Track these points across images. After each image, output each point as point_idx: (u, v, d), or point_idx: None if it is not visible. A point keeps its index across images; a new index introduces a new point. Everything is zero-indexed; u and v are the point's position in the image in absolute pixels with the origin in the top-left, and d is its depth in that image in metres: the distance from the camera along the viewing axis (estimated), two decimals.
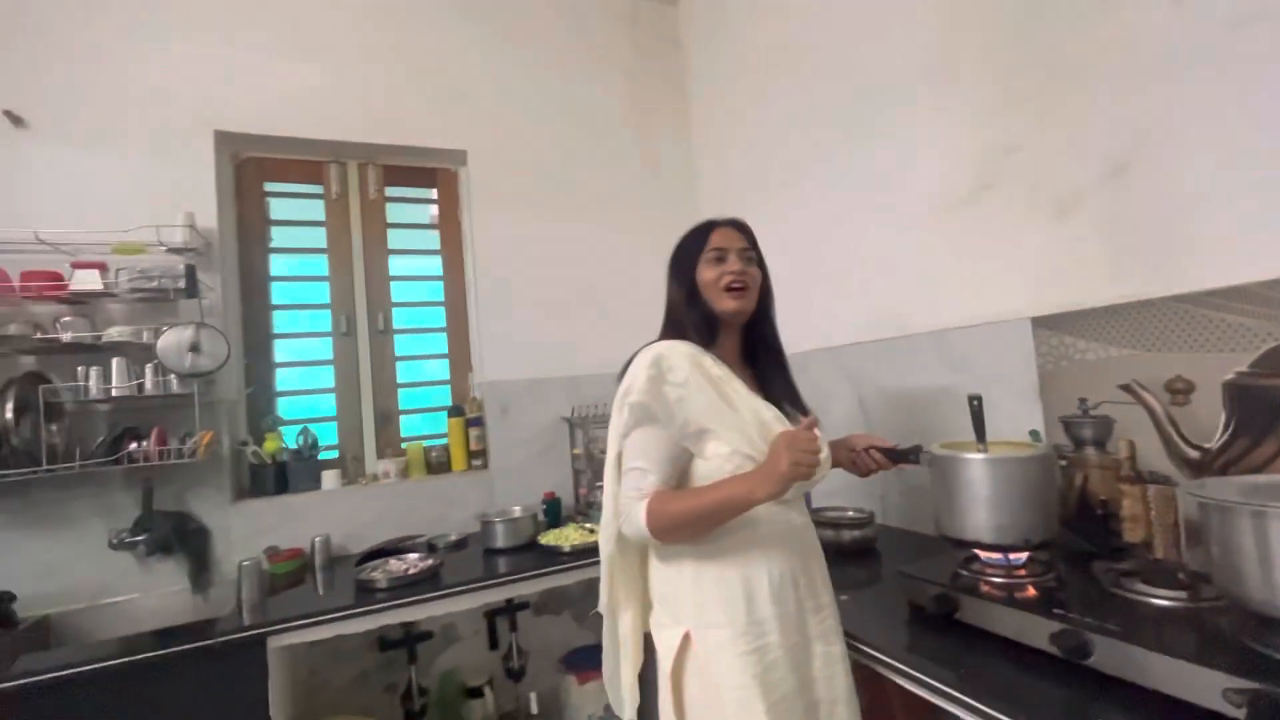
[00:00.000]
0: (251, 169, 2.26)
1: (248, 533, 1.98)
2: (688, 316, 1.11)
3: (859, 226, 1.94)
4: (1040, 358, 1.40)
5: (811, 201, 2.13)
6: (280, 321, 2.28)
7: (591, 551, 1.84)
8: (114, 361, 1.78)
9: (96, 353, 1.80)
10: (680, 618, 1.02)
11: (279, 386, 2.26)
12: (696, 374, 1.03)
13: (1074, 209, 1.33)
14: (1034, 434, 1.36)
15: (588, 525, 2.03)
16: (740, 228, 1.16)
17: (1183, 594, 0.95)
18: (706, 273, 1.11)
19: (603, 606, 1.13)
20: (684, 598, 1.02)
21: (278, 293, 2.28)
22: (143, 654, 1.38)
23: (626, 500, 1.01)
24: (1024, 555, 1.13)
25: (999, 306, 1.49)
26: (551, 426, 2.45)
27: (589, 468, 2.28)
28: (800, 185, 2.18)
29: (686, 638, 0.99)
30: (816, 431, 0.97)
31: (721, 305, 1.10)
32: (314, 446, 2.19)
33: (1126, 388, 1.23)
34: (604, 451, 2.31)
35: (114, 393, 1.77)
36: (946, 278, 1.64)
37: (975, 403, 1.14)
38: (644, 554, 1.12)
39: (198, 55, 2.09)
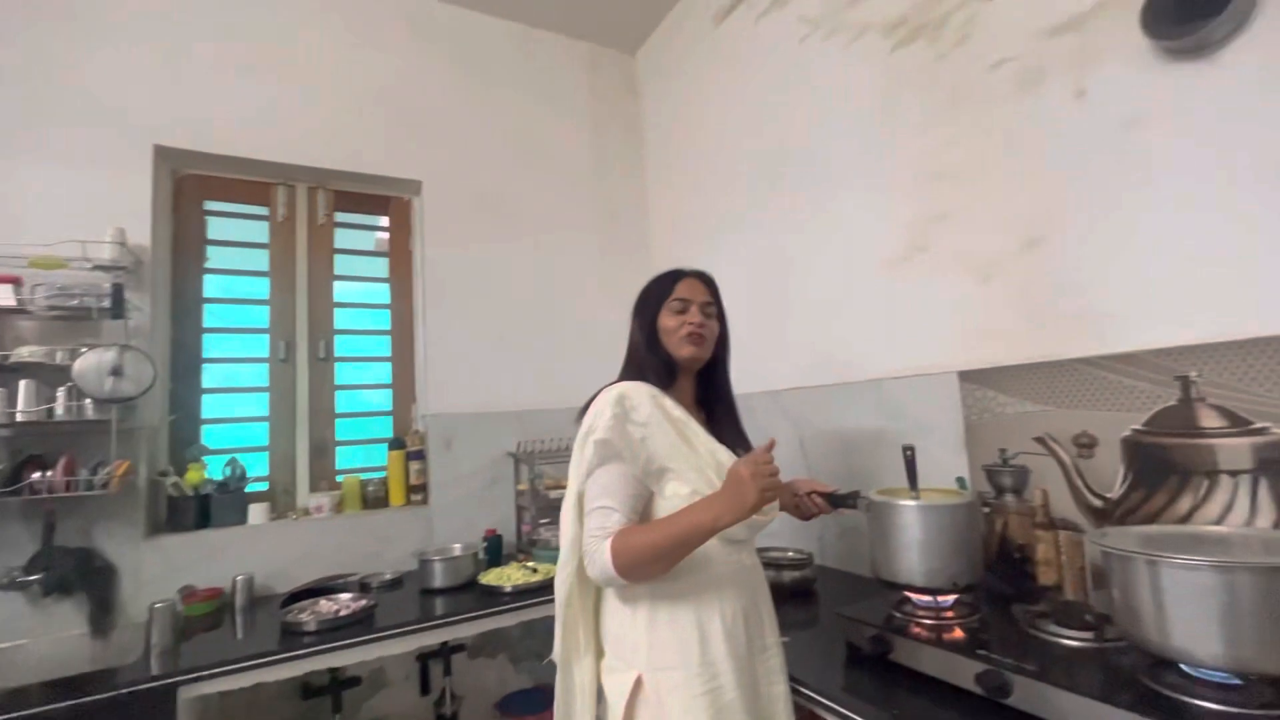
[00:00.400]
0: (191, 186, 2.18)
1: (161, 571, 1.84)
2: (647, 359, 1.15)
3: (803, 277, 2.05)
4: (966, 409, 1.51)
5: (757, 251, 2.23)
6: (212, 345, 2.18)
7: (533, 592, 1.82)
8: (21, 383, 1.65)
9: (2, 373, 1.67)
10: (632, 661, 1.02)
11: (206, 414, 2.14)
12: (658, 413, 1.06)
13: (996, 274, 1.46)
14: (960, 481, 1.45)
15: (530, 564, 1.99)
16: (705, 280, 1.22)
17: (1089, 635, 1.03)
18: (668, 320, 1.16)
19: (556, 654, 1.10)
20: (637, 641, 1.02)
21: (211, 315, 2.18)
22: (33, 708, 1.24)
23: (592, 541, 1.00)
24: (952, 598, 1.20)
25: (930, 360, 1.60)
26: (496, 461, 2.42)
27: (533, 504, 2.25)
28: (747, 235, 2.28)
29: (639, 681, 0.99)
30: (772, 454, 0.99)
31: (679, 352, 1.15)
32: (241, 478, 2.07)
33: (1040, 440, 1.34)
34: (550, 488, 2.30)
35: (19, 417, 1.64)
36: (883, 330, 1.75)
37: (909, 452, 1.22)
38: (599, 597, 1.12)
39: (143, 67, 2.02)
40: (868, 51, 1.79)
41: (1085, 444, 1.28)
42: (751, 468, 0.95)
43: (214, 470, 2.06)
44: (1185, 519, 1.11)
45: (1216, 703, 0.80)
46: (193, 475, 1.98)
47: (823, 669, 1.19)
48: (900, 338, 1.70)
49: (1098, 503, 1.25)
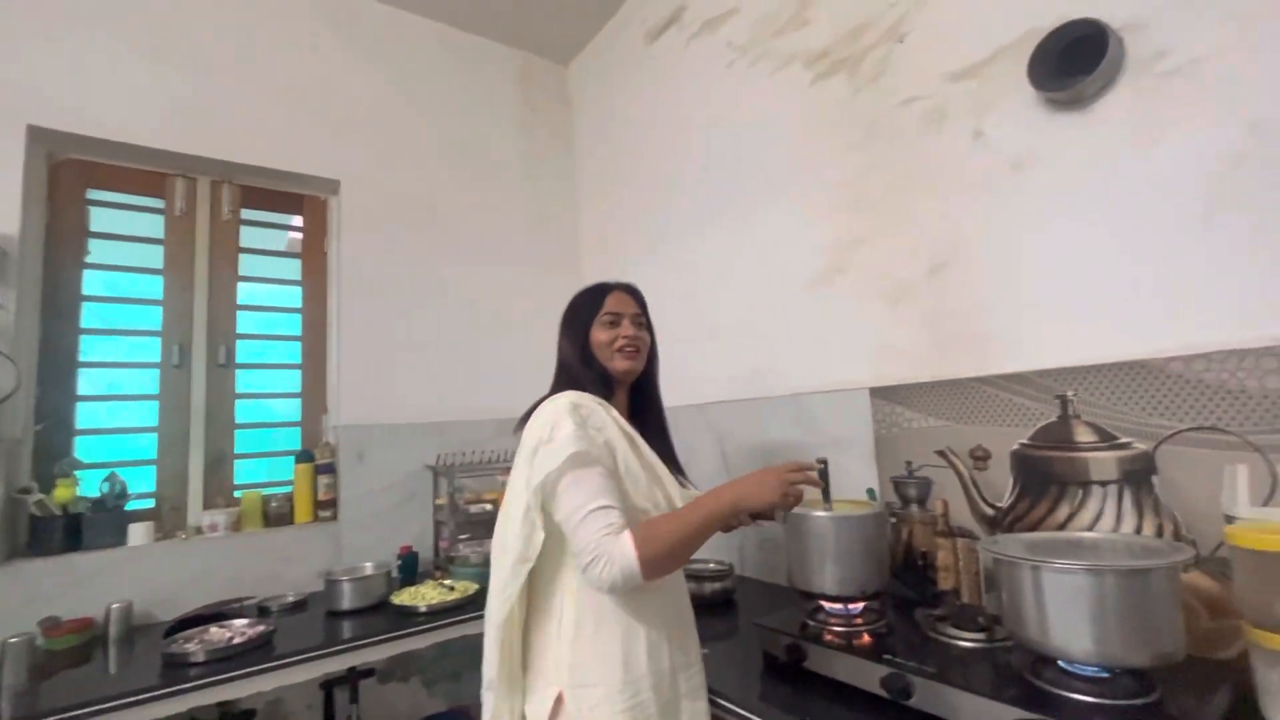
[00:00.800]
0: (72, 172, 1.98)
1: (19, 602, 1.64)
2: (583, 373, 1.14)
3: (729, 293, 2.10)
4: (876, 424, 1.59)
5: (685, 267, 2.27)
6: (92, 348, 1.97)
7: (450, 611, 1.75)
8: None
9: None
10: (554, 679, 1.00)
11: (82, 423, 1.93)
12: (610, 421, 1.06)
13: (905, 297, 1.56)
14: (870, 492, 1.53)
15: (447, 582, 1.92)
16: (633, 293, 1.23)
17: (982, 636, 1.10)
18: (600, 334, 1.16)
19: (490, 684, 1.03)
20: (560, 658, 1.00)
21: (91, 315, 1.98)
22: None
23: (606, 540, 0.93)
24: (861, 605, 1.25)
25: (844, 376, 1.68)
26: (413, 475, 2.32)
27: (452, 519, 2.18)
28: (675, 251, 2.32)
29: (559, 700, 0.97)
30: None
31: (613, 365, 1.15)
32: (121, 495, 1.88)
33: (941, 453, 1.43)
34: (471, 502, 2.23)
35: None
36: (803, 347, 1.83)
37: (822, 465, 1.26)
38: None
39: (16, 37, 1.82)
40: (791, 81, 1.88)
41: (980, 457, 1.37)
42: (783, 470, 1.03)
43: (89, 486, 1.86)
44: (1064, 525, 1.22)
45: (1088, 695, 0.88)
46: (62, 492, 1.78)
47: (740, 679, 1.21)
48: (819, 355, 1.77)
49: (990, 511, 1.35)
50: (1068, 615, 0.89)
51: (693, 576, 1.70)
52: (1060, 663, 0.93)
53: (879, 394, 1.59)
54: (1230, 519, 0.91)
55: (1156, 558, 0.90)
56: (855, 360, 1.67)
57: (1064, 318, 1.26)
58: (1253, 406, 1.02)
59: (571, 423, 1.00)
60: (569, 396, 1.06)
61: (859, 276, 1.67)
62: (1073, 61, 1.21)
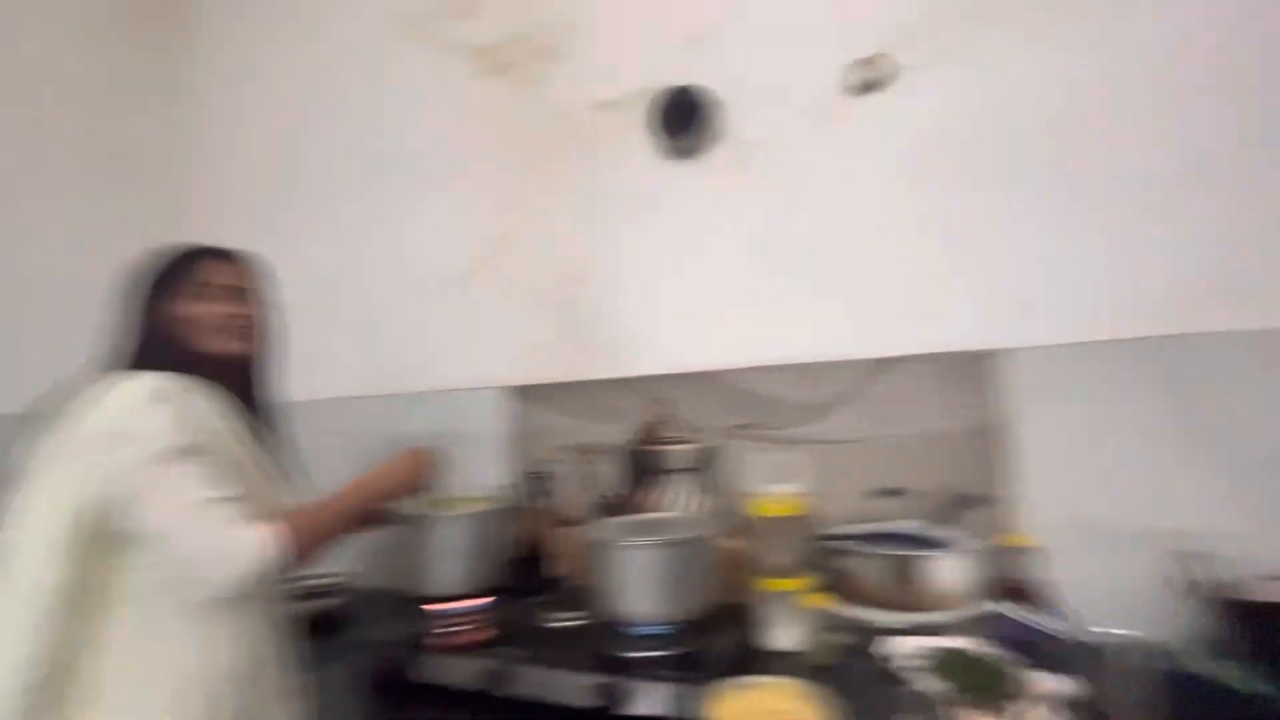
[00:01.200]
0: None
1: None
2: (165, 352, 0.93)
3: (371, 282, 1.92)
4: (512, 421, 1.65)
5: (321, 246, 2.00)
6: None
7: None
8: None
9: None
10: None
11: None
12: (209, 412, 0.89)
13: (544, 301, 1.65)
14: (500, 487, 1.56)
15: None
16: (239, 262, 1.02)
17: (580, 614, 1.21)
18: (191, 307, 0.95)
19: None
20: (115, 706, 0.79)
21: None
22: None
23: (227, 533, 0.81)
24: (477, 602, 1.25)
25: (485, 373, 1.70)
26: None
27: None
28: (310, 226, 2.02)
29: None
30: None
31: (213, 346, 0.95)
32: None
33: (567, 449, 1.56)
34: None
35: None
36: (447, 343, 1.78)
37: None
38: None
39: None
40: (454, 71, 1.81)
41: (599, 452, 1.54)
42: (414, 452, 1.08)
43: None
44: (655, 509, 1.43)
45: (654, 650, 1.03)
46: None
47: (346, 702, 1.10)
48: (461, 352, 1.75)
49: (604, 500, 1.51)
50: (638, 585, 1.04)
51: (300, 593, 1.48)
52: (635, 628, 1.08)
53: (517, 392, 1.65)
54: (751, 495, 1.17)
55: (701, 529, 1.12)
56: (496, 359, 1.69)
57: (663, 333, 1.50)
58: (773, 409, 1.36)
59: (158, 410, 0.83)
60: (150, 380, 0.86)
61: (503, 276, 1.71)
62: (675, 119, 1.45)
